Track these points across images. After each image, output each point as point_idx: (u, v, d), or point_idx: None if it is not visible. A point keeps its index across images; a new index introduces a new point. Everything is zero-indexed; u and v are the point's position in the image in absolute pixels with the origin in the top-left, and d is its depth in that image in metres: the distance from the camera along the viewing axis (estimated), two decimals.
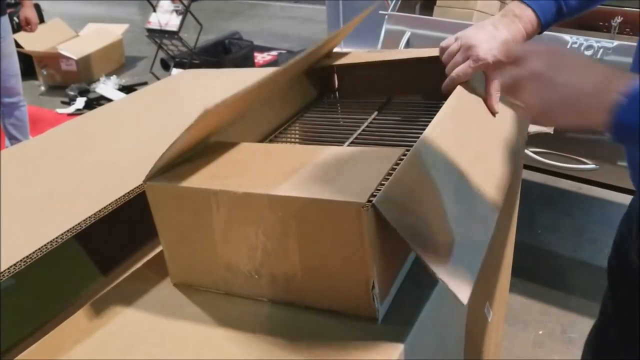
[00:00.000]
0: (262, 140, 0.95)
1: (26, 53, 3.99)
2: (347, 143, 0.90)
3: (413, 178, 0.65)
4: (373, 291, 0.62)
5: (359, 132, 0.93)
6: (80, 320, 0.71)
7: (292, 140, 0.96)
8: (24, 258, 0.66)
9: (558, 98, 0.63)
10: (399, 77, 1.06)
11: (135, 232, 0.86)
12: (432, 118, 0.79)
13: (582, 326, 1.79)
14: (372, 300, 0.63)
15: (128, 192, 0.77)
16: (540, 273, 2.07)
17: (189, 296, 0.73)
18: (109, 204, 0.74)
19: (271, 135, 0.96)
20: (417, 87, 1.05)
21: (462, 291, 0.58)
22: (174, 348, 0.65)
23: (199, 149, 0.77)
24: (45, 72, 4.16)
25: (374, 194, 0.59)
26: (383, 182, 0.62)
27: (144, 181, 0.70)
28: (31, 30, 2.79)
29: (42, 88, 4.18)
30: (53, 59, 4.12)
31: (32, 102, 3.56)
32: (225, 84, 1.18)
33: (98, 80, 4.10)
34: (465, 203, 0.71)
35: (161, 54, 4.11)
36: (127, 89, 3.98)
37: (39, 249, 0.67)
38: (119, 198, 0.76)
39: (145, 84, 3.96)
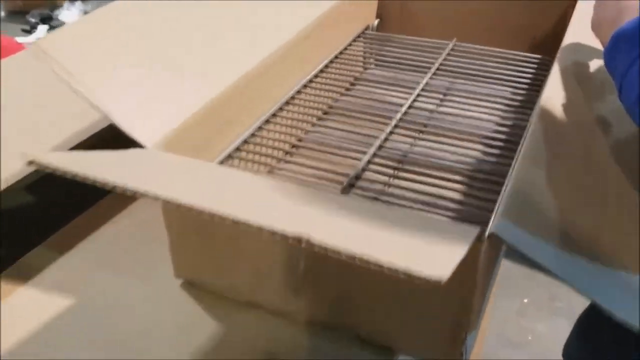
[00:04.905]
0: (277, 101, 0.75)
1: None
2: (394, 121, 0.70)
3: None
4: (465, 336, 0.48)
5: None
6: None
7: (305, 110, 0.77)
8: None
9: None
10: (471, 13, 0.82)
11: None
12: None
13: (569, 295, 1.72)
14: (461, 348, 0.49)
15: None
16: None
17: (195, 298, 0.59)
18: None
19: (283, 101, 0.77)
20: (494, 29, 0.81)
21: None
22: None
23: None
24: None
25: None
26: None
27: None
28: None
29: (2, 14, 3.90)
30: None
31: None
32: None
33: (61, 6, 3.83)
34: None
35: None
36: None
37: None
38: None
39: None
